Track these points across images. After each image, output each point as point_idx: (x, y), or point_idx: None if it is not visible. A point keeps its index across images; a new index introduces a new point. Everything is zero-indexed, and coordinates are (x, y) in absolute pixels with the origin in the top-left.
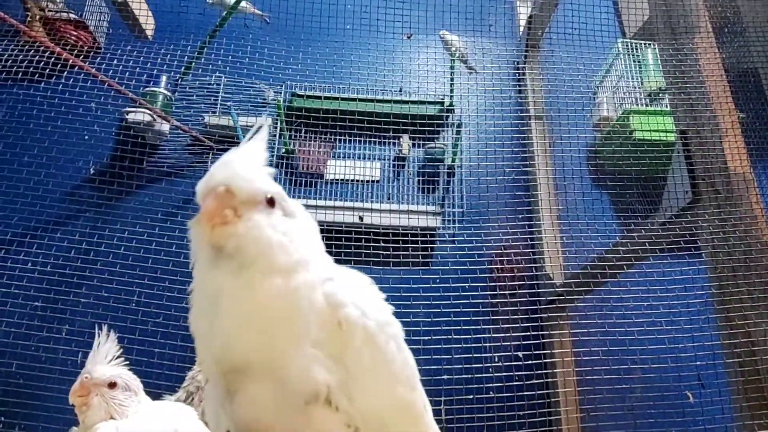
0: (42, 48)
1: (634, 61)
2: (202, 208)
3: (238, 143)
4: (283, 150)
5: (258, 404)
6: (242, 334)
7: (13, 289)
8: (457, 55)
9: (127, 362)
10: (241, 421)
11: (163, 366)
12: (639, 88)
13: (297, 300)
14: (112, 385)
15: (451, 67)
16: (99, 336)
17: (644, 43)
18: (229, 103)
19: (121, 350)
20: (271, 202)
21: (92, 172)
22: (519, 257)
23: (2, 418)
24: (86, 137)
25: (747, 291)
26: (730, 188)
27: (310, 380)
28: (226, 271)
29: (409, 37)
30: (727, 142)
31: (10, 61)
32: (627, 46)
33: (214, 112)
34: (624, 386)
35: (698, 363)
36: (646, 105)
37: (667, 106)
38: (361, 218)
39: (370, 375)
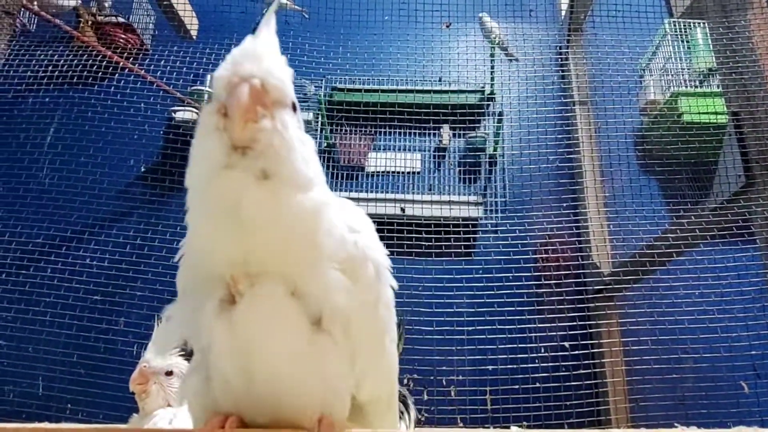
0: (94, 52)
1: (682, 42)
2: (230, 100)
3: None
4: (325, 144)
5: (264, 314)
6: (268, 241)
7: (74, 283)
8: (497, 42)
9: (183, 352)
10: (239, 335)
11: None
12: (688, 69)
13: (321, 218)
14: (169, 374)
15: (491, 55)
16: (156, 327)
17: (693, 23)
18: None
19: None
20: (294, 108)
21: (143, 169)
22: (565, 246)
23: (69, 405)
24: (136, 136)
25: None
26: None
27: (329, 300)
28: (248, 174)
29: (448, 26)
30: None
31: (66, 66)
32: (675, 26)
33: None
34: (675, 376)
35: (753, 352)
36: (696, 87)
37: (717, 87)
38: (402, 209)
39: (371, 312)
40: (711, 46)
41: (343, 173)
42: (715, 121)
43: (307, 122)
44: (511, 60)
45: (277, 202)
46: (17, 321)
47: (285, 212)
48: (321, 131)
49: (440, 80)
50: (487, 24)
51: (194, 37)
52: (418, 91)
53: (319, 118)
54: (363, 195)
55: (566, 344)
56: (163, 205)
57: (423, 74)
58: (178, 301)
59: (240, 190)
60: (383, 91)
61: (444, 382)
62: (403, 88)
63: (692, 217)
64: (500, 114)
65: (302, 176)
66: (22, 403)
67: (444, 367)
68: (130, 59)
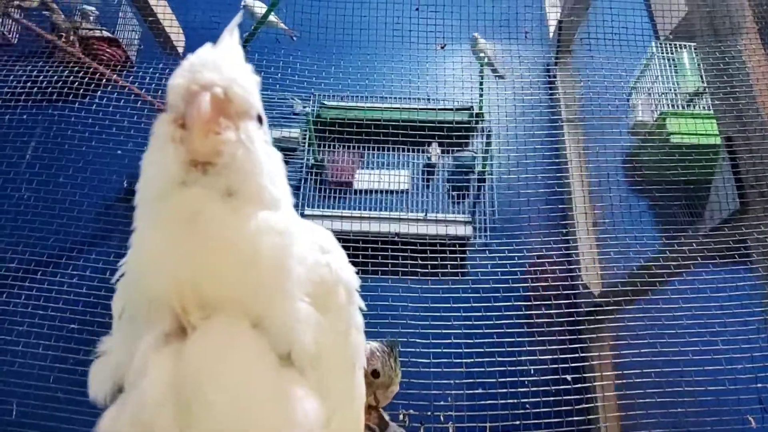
0: (75, 68)
1: (670, 63)
2: (189, 110)
3: None
4: (312, 161)
5: (225, 351)
6: (228, 264)
7: (50, 311)
8: (487, 61)
9: None
10: (188, 375)
11: None
12: (676, 90)
13: (291, 242)
14: None
15: (481, 73)
16: None
17: (680, 45)
18: None
19: None
20: (260, 120)
21: (126, 185)
22: (555, 266)
23: None
24: (119, 153)
25: None
26: None
27: (296, 340)
28: (210, 191)
29: (442, 48)
30: None
31: (45, 82)
32: (662, 47)
33: None
34: (671, 400)
35: (759, 385)
36: (683, 108)
37: (704, 108)
38: (397, 234)
39: (342, 341)
40: (700, 69)
41: (331, 191)
42: (705, 142)
43: (294, 139)
44: (498, 77)
45: (241, 220)
46: None
47: (250, 232)
48: (309, 148)
49: (429, 99)
50: (479, 43)
51: (180, 54)
52: (406, 109)
53: (307, 135)
54: (351, 213)
55: (557, 367)
56: None
57: (413, 92)
58: (114, 331)
59: (199, 205)
60: (372, 108)
61: (442, 418)
62: (392, 105)
63: (682, 238)
64: (489, 132)
65: (268, 194)
66: None
67: (441, 402)
68: (114, 74)
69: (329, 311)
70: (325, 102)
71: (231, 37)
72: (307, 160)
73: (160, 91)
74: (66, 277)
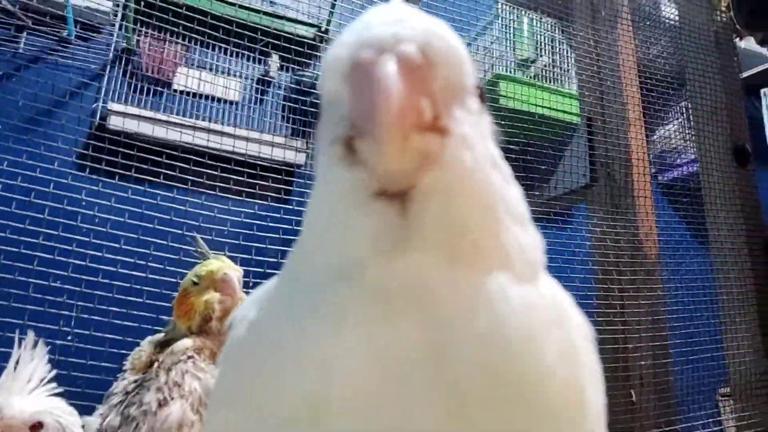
0: None
1: (510, 27)
2: (362, 96)
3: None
4: (124, 44)
5: None
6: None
7: None
8: None
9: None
10: None
11: None
12: (511, 55)
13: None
14: (37, 427)
15: None
16: (20, 349)
17: (524, 11)
18: None
19: (52, 370)
20: (482, 98)
21: None
22: None
23: None
24: None
25: (624, 281)
26: (628, 178)
27: None
28: (432, 257)
29: None
30: (633, 133)
31: None
32: (506, 9)
33: None
34: None
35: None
36: (514, 72)
37: (531, 78)
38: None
39: None
40: (534, 38)
41: (144, 86)
42: (533, 110)
43: (103, 14)
44: None
45: (504, 317)
46: None
47: (533, 325)
48: (121, 27)
49: (273, 3)
50: None
51: None
52: (246, 8)
53: (119, 11)
54: (168, 117)
55: None
56: None
57: None
58: None
59: (419, 275)
60: None
61: None
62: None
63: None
64: None
65: (517, 254)
66: None
67: None
68: None
69: None
70: None
71: None
72: (117, 41)
73: None
74: None
